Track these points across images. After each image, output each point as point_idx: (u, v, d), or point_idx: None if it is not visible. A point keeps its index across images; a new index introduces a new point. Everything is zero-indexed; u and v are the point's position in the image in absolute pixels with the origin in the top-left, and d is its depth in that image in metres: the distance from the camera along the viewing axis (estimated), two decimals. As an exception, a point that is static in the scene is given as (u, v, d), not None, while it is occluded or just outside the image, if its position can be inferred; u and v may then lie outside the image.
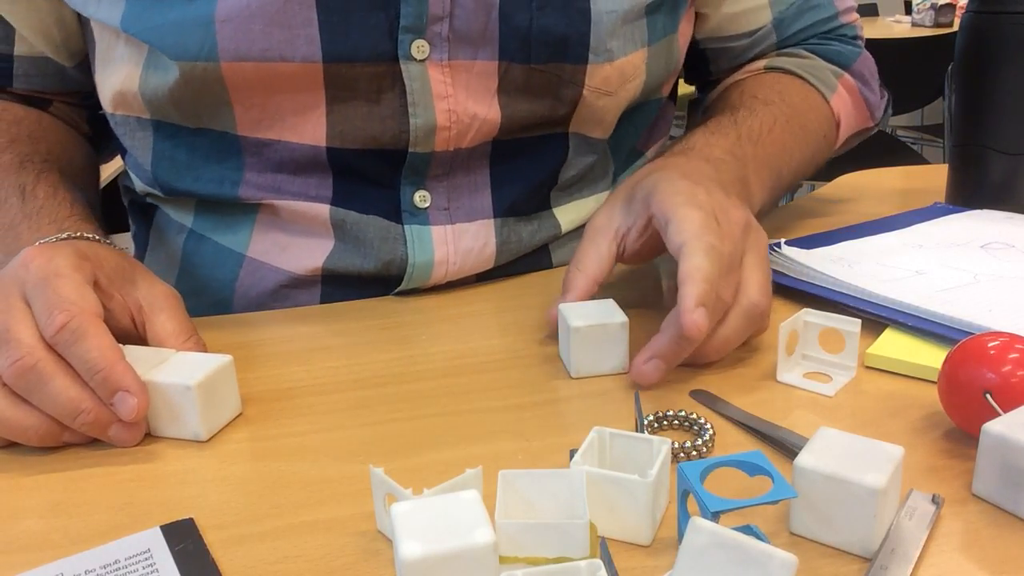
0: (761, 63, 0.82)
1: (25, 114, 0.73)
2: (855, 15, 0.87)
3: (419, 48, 0.64)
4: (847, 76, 0.82)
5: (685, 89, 0.92)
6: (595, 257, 0.59)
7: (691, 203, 0.54)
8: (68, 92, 0.76)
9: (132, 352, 0.51)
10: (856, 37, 0.86)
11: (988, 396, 0.44)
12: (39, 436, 0.49)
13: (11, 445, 0.50)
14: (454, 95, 0.65)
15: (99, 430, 0.49)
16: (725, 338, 0.54)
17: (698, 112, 0.87)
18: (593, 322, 0.55)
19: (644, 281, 0.69)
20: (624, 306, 0.57)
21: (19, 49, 0.70)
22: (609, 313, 0.56)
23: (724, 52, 0.82)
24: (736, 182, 0.62)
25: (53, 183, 0.65)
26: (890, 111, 0.89)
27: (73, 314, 0.49)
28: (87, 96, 0.77)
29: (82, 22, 0.70)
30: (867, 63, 0.85)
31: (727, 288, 0.53)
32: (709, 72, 0.85)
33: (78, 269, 0.52)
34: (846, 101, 0.82)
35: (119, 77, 0.67)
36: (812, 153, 0.78)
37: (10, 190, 0.63)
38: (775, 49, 0.83)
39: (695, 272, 0.51)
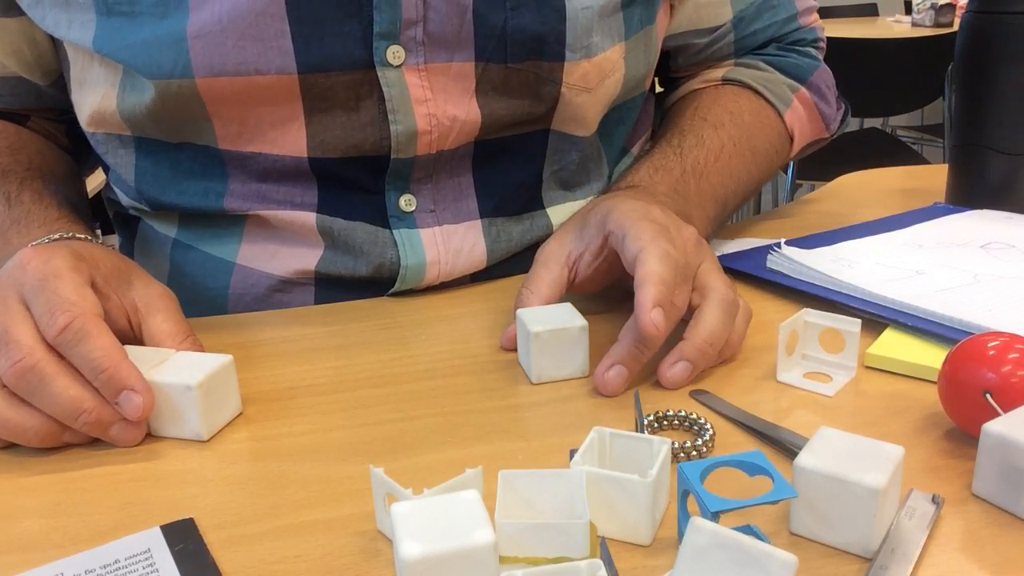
0: (719, 72, 0.82)
1: (3, 127, 0.72)
2: (815, 16, 0.87)
3: (394, 54, 0.63)
4: (803, 90, 0.83)
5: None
6: (547, 280, 0.60)
7: (646, 217, 0.56)
8: (45, 109, 0.75)
9: (132, 352, 0.51)
10: (816, 40, 0.86)
11: (988, 396, 0.44)
12: (39, 437, 0.49)
13: (11, 446, 0.50)
14: (433, 99, 0.65)
15: (101, 430, 0.49)
16: (710, 332, 0.54)
17: (658, 114, 0.87)
18: (553, 327, 0.55)
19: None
20: (582, 312, 0.57)
21: None
22: (568, 317, 0.56)
23: (684, 49, 0.82)
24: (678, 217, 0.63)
25: (37, 189, 0.65)
26: (848, 121, 0.89)
27: (75, 315, 0.49)
28: (64, 112, 0.76)
29: (55, 43, 0.69)
30: (824, 76, 0.85)
31: (681, 295, 0.54)
32: (668, 68, 0.85)
33: (76, 270, 0.52)
34: (800, 115, 0.82)
35: (96, 98, 0.66)
36: (760, 173, 0.79)
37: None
38: (733, 49, 0.83)
39: (651, 275, 0.52)
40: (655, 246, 0.53)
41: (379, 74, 0.64)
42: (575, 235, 0.61)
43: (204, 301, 0.71)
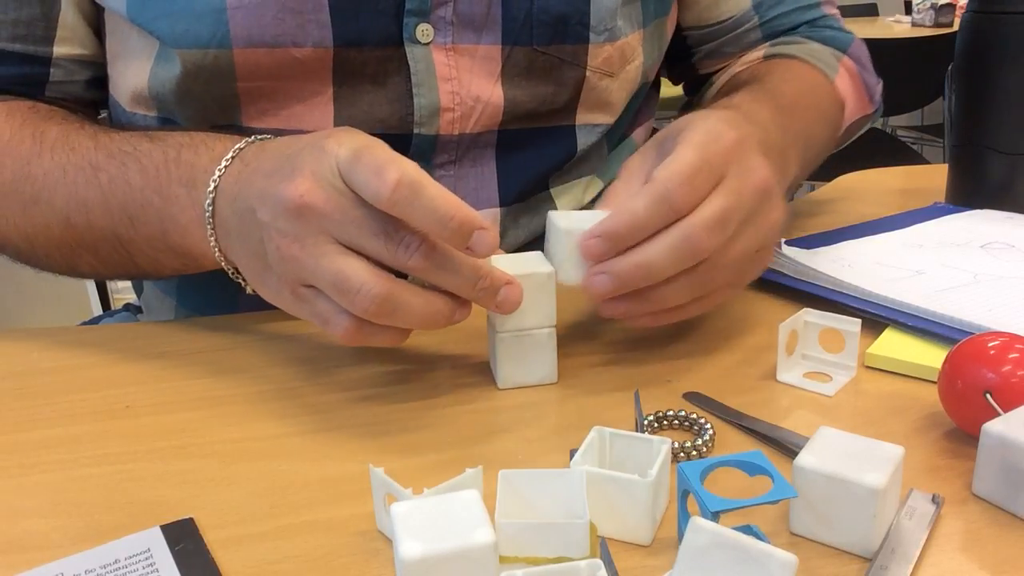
0: (759, 52, 0.82)
1: (50, 109, 0.69)
2: (835, 9, 0.87)
3: (424, 32, 0.65)
4: (846, 58, 0.82)
5: (673, 91, 0.92)
6: (623, 195, 0.55)
7: (699, 147, 0.51)
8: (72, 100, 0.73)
9: None
10: (841, 29, 0.86)
11: (988, 396, 0.44)
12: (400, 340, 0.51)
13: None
14: (458, 77, 0.66)
15: (493, 294, 0.50)
16: (645, 259, 0.50)
17: (701, 100, 0.85)
18: (519, 328, 0.53)
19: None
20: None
21: (58, 50, 0.68)
22: (539, 320, 0.54)
23: (706, 37, 0.82)
24: (777, 151, 0.60)
25: (151, 135, 0.62)
26: (880, 108, 0.89)
27: (403, 168, 0.46)
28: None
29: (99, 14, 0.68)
30: (861, 48, 0.85)
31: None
32: (692, 65, 0.85)
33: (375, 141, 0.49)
34: (848, 83, 0.81)
35: (132, 72, 0.66)
36: (828, 134, 0.77)
37: (130, 138, 0.61)
38: (761, 35, 0.83)
39: (625, 212, 0.50)
40: (659, 185, 0.49)
41: (407, 50, 0.65)
42: (657, 150, 0.57)
43: (218, 285, 0.71)
